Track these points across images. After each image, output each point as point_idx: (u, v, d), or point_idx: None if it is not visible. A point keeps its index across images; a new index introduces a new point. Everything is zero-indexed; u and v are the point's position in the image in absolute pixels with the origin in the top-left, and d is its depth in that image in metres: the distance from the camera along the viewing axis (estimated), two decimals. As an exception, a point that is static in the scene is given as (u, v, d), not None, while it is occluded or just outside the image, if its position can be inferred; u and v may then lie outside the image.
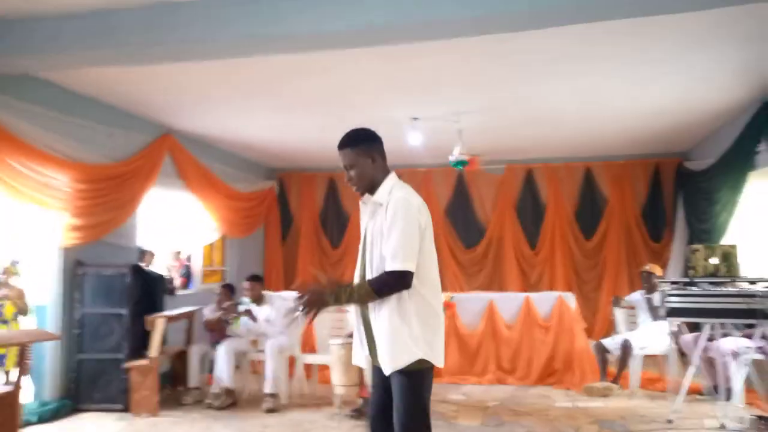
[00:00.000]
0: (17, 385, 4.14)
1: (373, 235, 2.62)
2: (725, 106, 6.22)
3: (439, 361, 2.57)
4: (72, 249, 5.46)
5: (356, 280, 2.70)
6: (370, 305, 2.59)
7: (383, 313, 2.54)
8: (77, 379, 5.42)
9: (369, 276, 2.60)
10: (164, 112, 6.30)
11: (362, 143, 2.74)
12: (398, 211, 2.53)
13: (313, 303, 2.56)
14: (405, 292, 2.51)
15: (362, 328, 2.67)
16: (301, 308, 2.57)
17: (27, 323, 5.85)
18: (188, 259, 8.03)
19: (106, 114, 5.90)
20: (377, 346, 2.57)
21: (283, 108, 6.29)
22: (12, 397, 4.08)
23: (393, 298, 2.51)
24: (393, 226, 2.51)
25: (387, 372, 2.53)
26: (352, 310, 2.78)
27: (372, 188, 2.68)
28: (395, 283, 2.50)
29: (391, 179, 2.69)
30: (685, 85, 5.58)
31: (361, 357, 2.72)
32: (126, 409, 5.30)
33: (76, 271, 5.54)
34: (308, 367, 6.19)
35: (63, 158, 5.17)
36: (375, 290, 2.52)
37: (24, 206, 4.80)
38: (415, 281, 2.51)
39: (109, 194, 5.68)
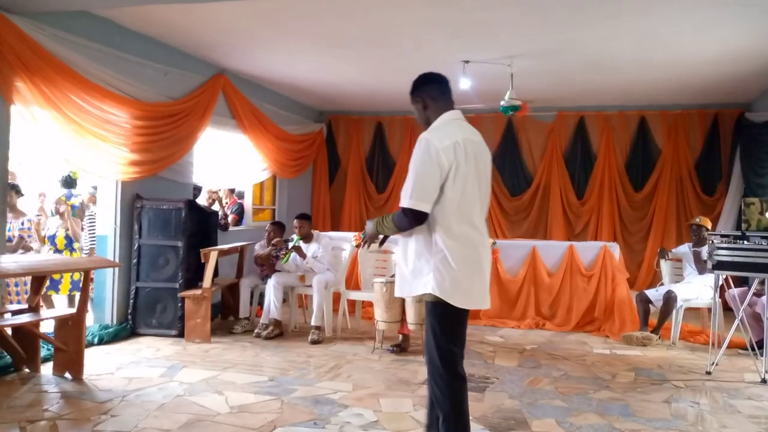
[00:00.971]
0: (82, 308, 4.45)
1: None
2: (794, 54, 5.90)
3: (457, 301, 2.71)
4: (130, 183, 5.72)
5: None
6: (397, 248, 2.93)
7: (404, 243, 2.83)
8: (135, 306, 5.77)
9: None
10: (217, 51, 6.40)
11: (415, 90, 2.91)
12: (415, 151, 2.69)
13: (367, 235, 2.95)
14: (426, 231, 2.70)
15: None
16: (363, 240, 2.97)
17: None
18: (241, 196, 8.27)
19: (162, 53, 6.03)
20: (400, 277, 2.88)
21: (330, 50, 6.29)
22: (78, 317, 4.40)
23: (415, 234, 2.75)
24: (411, 164, 2.69)
25: (396, 294, 2.94)
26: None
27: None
28: (406, 219, 2.69)
29: (438, 120, 2.83)
30: (751, 32, 5.31)
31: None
32: (180, 335, 5.64)
33: (134, 204, 5.81)
34: (352, 303, 6.41)
35: (121, 95, 5.35)
36: (395, 223, 2.77)
37: (85, 140, 5.02)
38: (440, 220, 2.66)
39: (165, 131, 5.88)
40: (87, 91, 4.98)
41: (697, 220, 6.26)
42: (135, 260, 5.78)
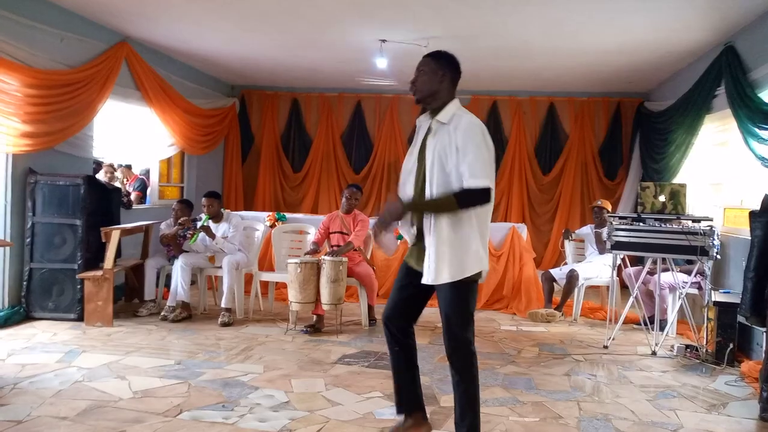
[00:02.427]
0: (-33, 290, 4.11)
1: (435, 154, 2.74)
2: (688, 47, 6.28)
3: (485, 274, 2.83)
4: (23, 157, 5.30)
5: (404, 194, 2.88)
6: (425, 219, 2.76)
7: (444, 226, 2.71)
8: (29, 288, 5.39)
9: (430, 192, 2.74)
10: (120, 18, 6.01)
11: (443, 60, 2.88)
12: (476, 132, 2.69)
13: (388, 215, 2.75)
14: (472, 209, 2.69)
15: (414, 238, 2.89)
16: (379, 222, 2.77)
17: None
18: (146, 174, 7.90)
19: (58, 16, 5.60)
20: (434, 257, 2.71)
21: (244, 22, 6.07)
22: (-38, 301, 4.06)
23: (459, 215, 2.69)
24: (470, 145, 2.65)
25: (440, 281, 2.71)
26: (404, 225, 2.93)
27: (430, 101, 2.86)
28: (478, 197, 2.65)
29: (456, 104, 2.83)
30: (650, 25, 5.60)
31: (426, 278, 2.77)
32: (80, 319, 5.33)
33: (27, 179, 5.40)
34: (265, 285, 6.29)
35: (11, 60, 4.92)
36: (459, 202, 2.65)
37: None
38: None
39: (62, 102, 5.48)
40: (-29, 55, 4.56)
41: (599, 202, 6.59)
42: (28, 239, 5.39)
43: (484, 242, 2.78)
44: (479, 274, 2.77)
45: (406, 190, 2.91)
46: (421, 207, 2.79)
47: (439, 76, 2.83)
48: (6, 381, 3.76)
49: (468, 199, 2.65)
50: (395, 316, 2.99)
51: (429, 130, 2.86)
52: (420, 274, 2.80)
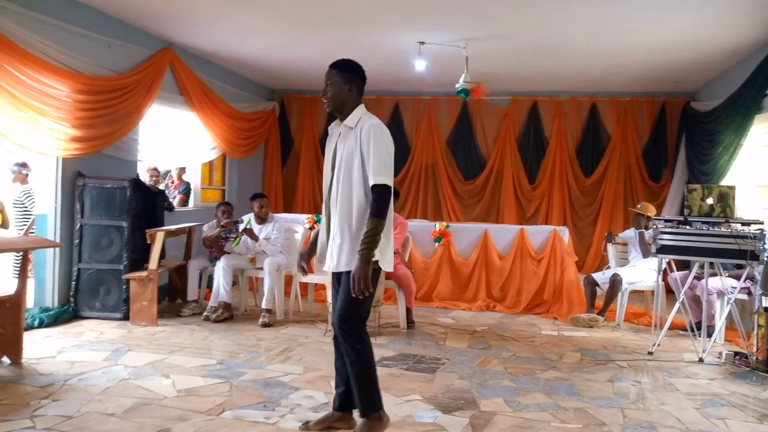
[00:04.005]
0: (21, 289, 4.25)
1: (343, 155, 3.01)
2: (736, 46, 6.09)
3: (387, 266, 3.07)
4: (72, 160, 5.48)
5: (325, 194, 3.12)
6: (334, 221, 3.03)
7: (348, 222, 2.99)
8: (77, 288, 5.55)
9: (336, 189, 3.01)
10: (164, 24, 6.16)
11: (348, 70, 3.09)
12: (376, 134, 2.94)
13: (364, 280, 2.87)
14: (363, 207, 2.95)
15: (326, 240, 3.12)
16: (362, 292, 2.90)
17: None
18: (179, 176, 7.99)
19: (105, 24, 5.77)
20: (338, 251, 2.99)
21: (283, 26, 6.14)
22: (16, 299, 4.20)
23: (354, 212, 2.96)
24: (372, 147, 2.92)
25: (344, 269, 2.98)
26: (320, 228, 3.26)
27: (340, 110, 3.07)
28: (385, 195, 2.91)
29: (361, 109, 3.07)
30: (698, 23, 5.45)
31: (329, 265, 3.09)
32: (125, 318, 5.47)
33: (76, 182, 5.57)
34: (305, 286, 6.34)
35: (61, 67, 5.09)
36: (379, 216, 2.88)
37: (24, 115, 4.76)
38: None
39: (109, 107, 5.64)
40: (24, 62, 4.71)
41: (639, 206, 6.43)
42: (77, 241, 5.56)
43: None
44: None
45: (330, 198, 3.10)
46: (369, 251, 2.89)
47: (347, 88, 3.04)
48: (57, 377, 3.89)
49: (380, 203, 2.89)
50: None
51: (339, 135, 3.09)
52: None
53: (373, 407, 3.05)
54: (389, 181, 2.93)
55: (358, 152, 2.95)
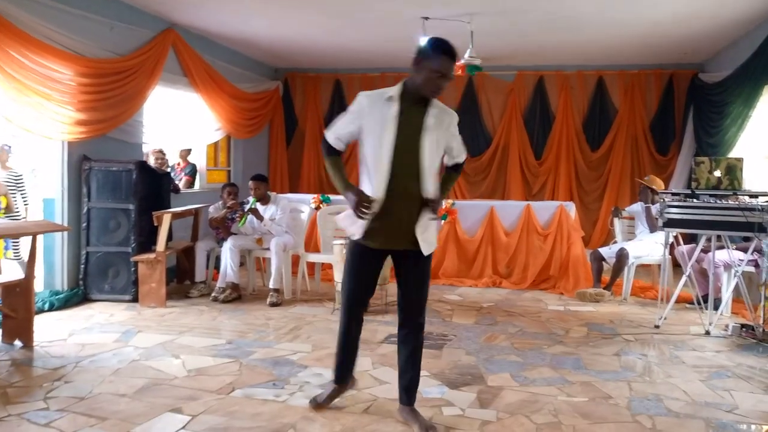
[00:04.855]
0: (30, 274, 4.30)
1: (436, 134, 2.96)
2: (745, 15, 5.98)
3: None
4: (78, 144, 5.49)
5: (387, 169, 2.91)
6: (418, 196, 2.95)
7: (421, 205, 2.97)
8: (86, 271, 5.61)
9: (427, 166, 2.92)
10: (166, 5, 6.11)
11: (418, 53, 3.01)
12: (455, 119, 3.11)
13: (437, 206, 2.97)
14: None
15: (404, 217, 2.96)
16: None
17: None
18: (184, 157, 7.96)
19: (107, 6, 5.73)
20: (423, 232, 2.94)
21: (286, 3, 6.08)
22: (26, 283, 4.25)
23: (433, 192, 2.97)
24: (456, 131, 3.11)
25: (427, 252, 2.97)
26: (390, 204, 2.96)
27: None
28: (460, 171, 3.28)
29: None
30: (707, -9, 5.36)
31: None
32: (134, 300, 5.52)
33: (82, 166, 5.59)
34: (312, 266, 6.38)
35: (64, 50, 5.08)
36: (458, 175, 3.30)
37: (28, 99, 4.77)
38: None
39: (113, 89, 5.63)
40: (27, 46, 4.70)
41: (647, 178, 6.39)
42: (85, 224, 5.60)
43: None
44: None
45: (395, 175, 2.91)
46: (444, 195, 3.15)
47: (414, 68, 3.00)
48: (68, 360, 3.95)
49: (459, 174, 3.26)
50: (367, 297, 3.21)
51: (407, 114, 2.93)
52: (384, 252, 3.04)
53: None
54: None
55: (447, 134, 3.04)
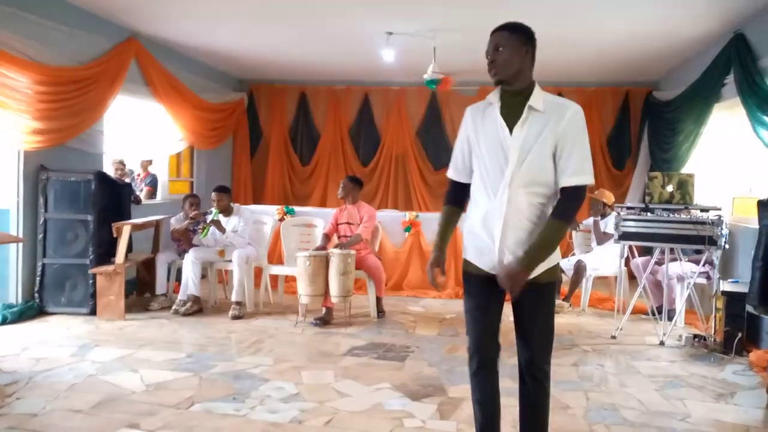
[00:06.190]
0: (-18, 286, 4.18)
1: (526, 142, 2.30)
2: (697, 35, 6.23)
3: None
4: (35, 153, 5.36)
5: (489, 184, 2.36)
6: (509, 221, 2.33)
7: (530, 218, 2.34)
8: (42, 283, 5.46)
9: (511, 182, 2.29)
10: (129, 14, 6.05)
11: (524, 33, 2.42)
12: (582, 123, 2.33)
13: (518, 282, 2.26)
14: (547, 208, 2.35)
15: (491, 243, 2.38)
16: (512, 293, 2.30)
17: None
18: (145, 168, 7.84)
19: (68, 13, 5.64)
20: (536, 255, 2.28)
21: (251, 16, 6.08)
22: (-23, 296, 4.13)
23: (539, 212, 2.34)
24: (579, 139, 2.30)
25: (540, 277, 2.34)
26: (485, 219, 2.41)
27: (514, 81, 2.39)
28: (582, 198, 2.35)
29: (539, 88, 2.41)
30: (659, 13, 5.57)
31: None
32: (92, 313, 5.40)
33: (39, 175, 5.46)
34: (275, 278, 6.34)
35: (21, 57, 4.97)
36: (565, 219, 2.29)
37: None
38: None
39: (72, 98, 5.53)
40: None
41: (596, 192, 6.57)
42: (41, 235, 5.46)
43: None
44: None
45: (491, 184, 2.36)
46: (541, 257, 2.30)
47: (525, 52, 2.39)
48: (21, 375, 3.83)
49: (573, 207, 2.32)
50: (495, 338, 2.53)
51: (505, 114, 2.38)
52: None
53: None
54: (591, 179, 2.32)
55: (552, 143, 2.29)
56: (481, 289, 2.45)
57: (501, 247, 2.35)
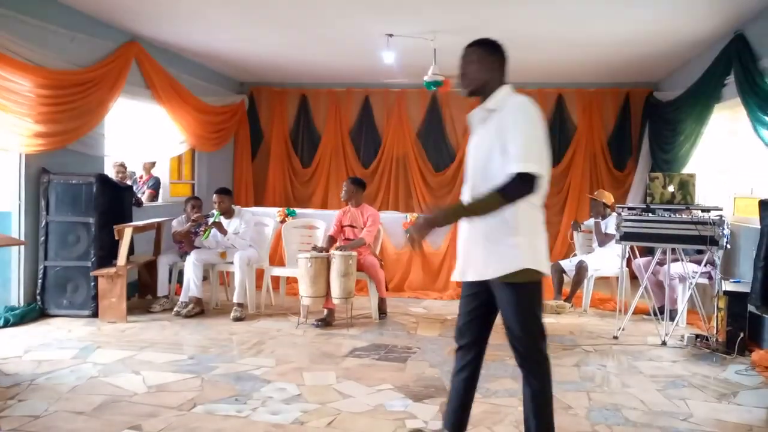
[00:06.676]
0: (-16, 288, 4.18)
1: (481, 142, 2.54)
2: (698, 36, 6.24)
3: (545, 269, 2.54)
4: (36, 156, 5.37)
5: (465, 194, 2.59)
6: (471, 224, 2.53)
7: (473, 225, 2.52)
8: (44, 286, 5.46)
9: (472, 183, 2.53)
10: (129, 17, 6.06)
11: (489, 47, 2.67)
12: (524, 112, 2.44)
13: (421, 227, 2.42)
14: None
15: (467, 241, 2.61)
16: (409, 234, 2.45)
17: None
18: (147, 170, 7.86)
19: (68, 17, 5.65)
20: (482, 258, 2.51)
21: (252, 19, 6.09)
22: (-21, 299, 4.14)
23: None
24: (517, 127, 2.39)
25: (486, 277, 2.51)
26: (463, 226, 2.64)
27: (481, 92, 2.61)
28: (523, 186, 2.35)
29: (507, 89, 2.58)
30: (660, 14, 5.57)
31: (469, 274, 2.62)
32: (94, 315, 5.41)
33: (40, 178, 5.47)
34: (276, 280, 6.34)
35: (22, 61, 4.98)
36: (503, 195, 2.34)
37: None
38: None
39: (73, 101, 5.54)
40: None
41: (596, 193, 6.58)
42: (42, 238, 5.47)
43: (535, 234, 2.52)
44: (537, 272, 2.49)
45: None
46: (459, 212, 2.47)
47: (489, 66, 2.61)
48: (23, 377, 3.84)
49: (512, 189, 2.34)
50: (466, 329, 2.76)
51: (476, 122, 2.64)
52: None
53: None
54: (535, 167, 2.34)
55: (499, 138, 2.42)
56: (465, 284, 2.71)
57: (463, 251, 2.63)
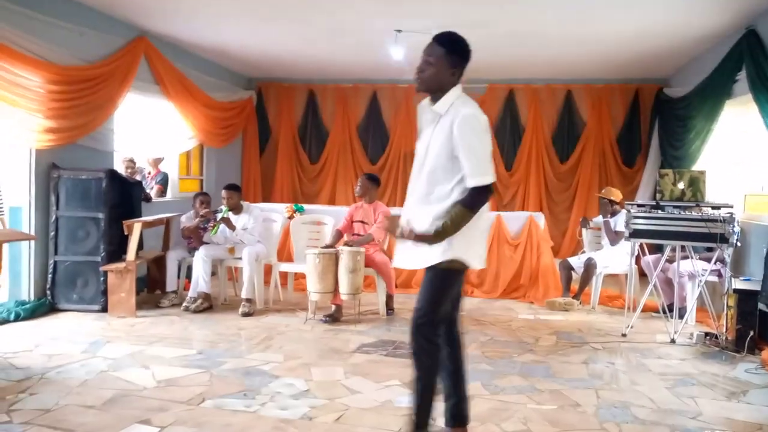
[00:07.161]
0: (-5, 283, 4.22)
1: (429, 143, 2.73)
2: (708, 32, 6.19)
3: (475, 264, 2.77)
4: (46, 152, 5.40)
5: (411, 185, 2.81)
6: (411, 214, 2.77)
7: (422, 216, 2.71)
8: (54, 280, 5.50)
9: (417, 181, 2.76)
10: (138, 13, 6.08)
11: (449, 47, 2.74)
12: (471, 126, 2.62)
13: (408, 237, 2.71)
14: (446, 201, 2.66)
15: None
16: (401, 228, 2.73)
17: None
18: (156, 166, 7.89)
19: (77, 12, 5.67)
20: (413, 248, 2.74)
21: (260, 14, 6.10)
22: (-10, 293, 4.17)
23: (433, 204, 2.68)
24: (467, 143, 2.60)
25: (419, 266, 2.75)
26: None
27: (433, 92, 2.75)
28: (481, 196, 2.63)
29: (455, 92, 2.72)
30: (669, 9, 5.53)
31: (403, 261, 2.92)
32: (104, 310, 5.44)
33: (50, 174, 5.50)
34: (284, 275, 6.36)
35: (33, 57, 5.00)
36: (469, 208, 2.61)
37: (-5, 106, 4.70)
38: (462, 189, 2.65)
39: (83, 97, 5.56)
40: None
41: (603, 191, 6.54)
42: (53, 233, 5.50)
43: (477, 230, 2.77)
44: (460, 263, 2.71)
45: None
46: (446, 233, 2.62)
47: (449, 67, 2.72)
48: (34, 371, 3.87)
49: (475, 202, 2.62)
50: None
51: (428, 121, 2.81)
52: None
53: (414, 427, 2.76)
54: (490, 178, 2.62)
55: (446, 147, 2.64)
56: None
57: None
